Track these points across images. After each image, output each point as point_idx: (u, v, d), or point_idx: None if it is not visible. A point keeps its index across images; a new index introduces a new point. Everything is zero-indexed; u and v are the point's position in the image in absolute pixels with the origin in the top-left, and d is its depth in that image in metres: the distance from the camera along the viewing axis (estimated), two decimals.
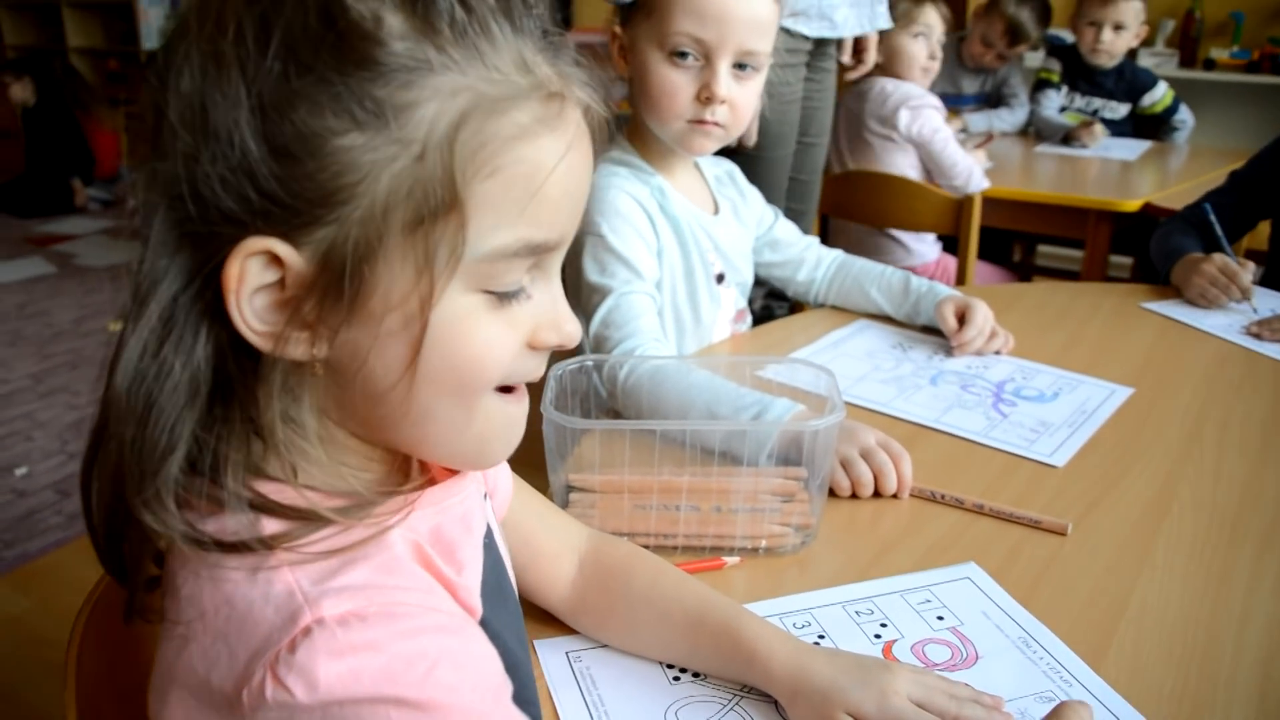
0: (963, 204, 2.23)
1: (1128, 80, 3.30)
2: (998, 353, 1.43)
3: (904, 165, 2.55)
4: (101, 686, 0.73)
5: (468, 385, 0.55)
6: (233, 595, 0.51)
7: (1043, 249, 4.01)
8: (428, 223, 0.50)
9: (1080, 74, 3.32)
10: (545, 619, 0.85)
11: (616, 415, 1.15)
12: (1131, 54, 3.37)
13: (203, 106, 0.48)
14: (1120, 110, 3.30)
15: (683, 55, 1.24)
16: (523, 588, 0.83)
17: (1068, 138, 3.14)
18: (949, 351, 1.43)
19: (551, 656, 0.82)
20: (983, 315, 1.41)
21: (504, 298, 0.55)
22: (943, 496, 1.03)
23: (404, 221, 0.50)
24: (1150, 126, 3.34)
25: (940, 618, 0.87)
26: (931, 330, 1.49)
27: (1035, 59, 4.00)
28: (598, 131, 0.58)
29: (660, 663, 0.81)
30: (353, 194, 0.49)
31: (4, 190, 5.34)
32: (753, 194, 1.56)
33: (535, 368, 0.59)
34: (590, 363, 1.02)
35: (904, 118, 2.49)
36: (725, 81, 1.25)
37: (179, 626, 0.52)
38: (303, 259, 0.49)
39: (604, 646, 0.83)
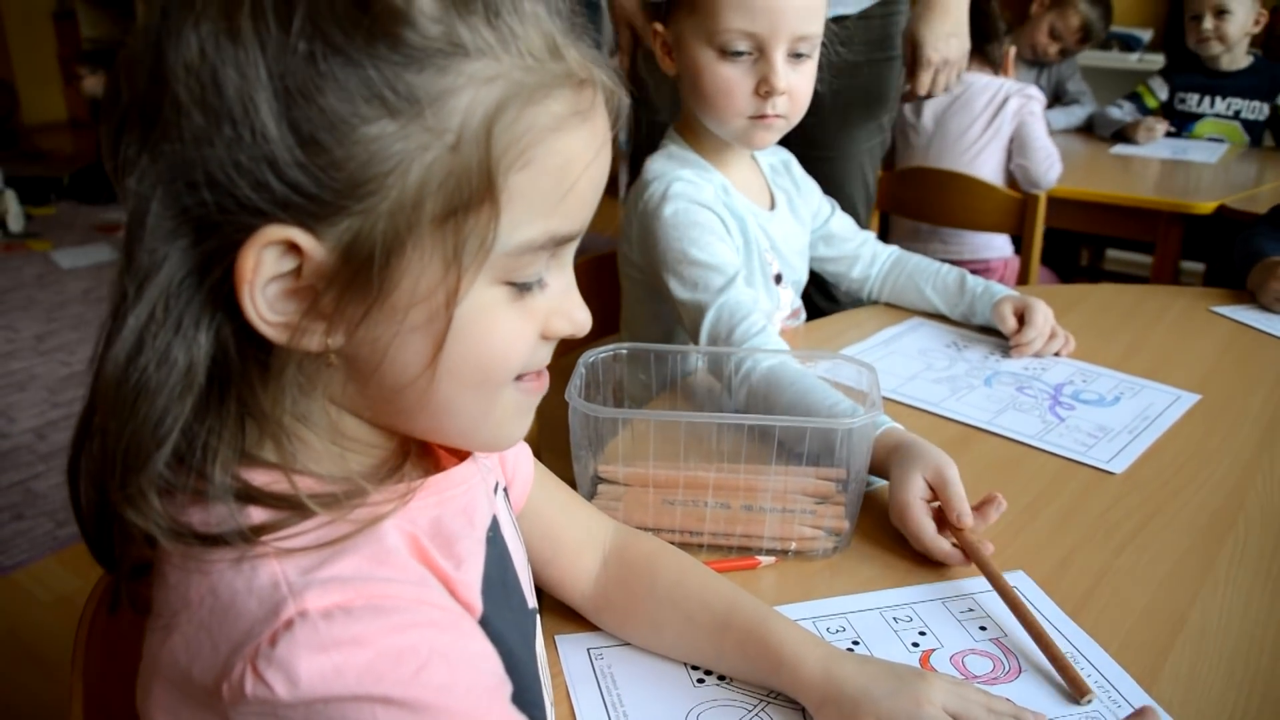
0: (1026, 202, 2.16)
1: (1265, 75, 3.00)
2: (1057, 354, 1.37)
3: (987, 162, 2.48)
4: (108, 679, 0.71)
5: (490, 378, 0.53)
6: (217, 585, 0.48)
7: (1111, 254, 3.90)
8: (459, 215, 0.48)
9: (1210, 75, 3.05)
10: (567, 614, 0.82)
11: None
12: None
13: (216, 84, 0.45)
14: (1264, 110, 3.02)
15: (735, 51, 1.18)
16: (544, 582, 0.80)
17: (1122, 134, 3.03)
18: (1005, 352, 1.37)
19: (572, 653, 0.79)
20: (1043, 315, 1.36)
21: (524, 289, 0.53)
22: None
23: (435, 214, 0.47)
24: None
25: (983, 628, 0.82)
26: (988, 330, 1.44)
27: (1104, 59, 3.89)
28: (619, 118, 0.56)
29: (684, 664, 0.78)
30: (382, 184, 0.46)
31: (75, 178, 5.46)
32: (808, 185, 1.51)
33: (546, 357, 0.57)
34: (625, 350, 0.99)
35: (1015, 103, 2.45)
36: (783, 73, 1.19)
37: (164, 616, 0.50)
38: (324, 249, 0.47)
39: (627, 645, 0.80)
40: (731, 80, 1.20)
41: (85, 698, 0.69)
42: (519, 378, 0.56)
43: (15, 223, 4.79)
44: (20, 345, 3.58)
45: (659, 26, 1.26)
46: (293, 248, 0.46)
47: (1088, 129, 3.24)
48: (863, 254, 1.54)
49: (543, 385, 0.58)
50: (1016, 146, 2.47)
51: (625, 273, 1.38)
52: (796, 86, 1.22)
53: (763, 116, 1.23)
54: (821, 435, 0.89)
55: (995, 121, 2.46)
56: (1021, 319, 1.37)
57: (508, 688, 0.53)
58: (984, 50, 2.52)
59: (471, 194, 0.47)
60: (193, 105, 0.45)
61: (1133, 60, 3.93)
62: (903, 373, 1.30)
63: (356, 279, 0.47)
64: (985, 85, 2.48)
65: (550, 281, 0.55)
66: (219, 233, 0.46)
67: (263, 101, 0.44)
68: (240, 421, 0.50)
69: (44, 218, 5.11)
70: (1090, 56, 3.70)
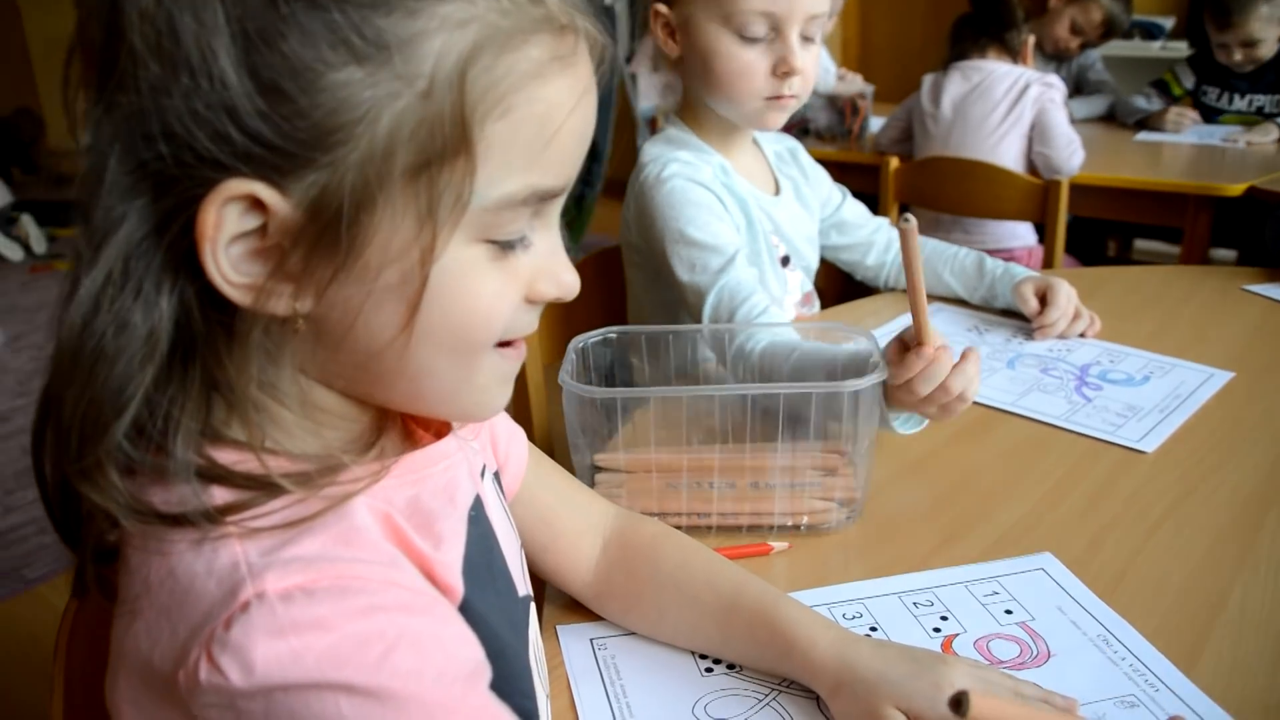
0: (1049, 189, 2.10)
1: None
2: (1082, 335, 1.32)
3: (1009, 150, 2.43)
4: (91, 680, 0.68)
5: (469, 343, 0.50)
6: (176, 567, 0.45)
7: (1140, 245, 3.82)
8: (433, 167, 0.45)
9: (1237, 75, 2.94)
10: (569, 604, 0.79)
11: None
12: None
13: (172, 30, 0.42)
14: None
15: (753, 33, 1.17)
16: (543, 570, 0.77)
17: (1147, 122, 2.95)
18: (1029, 334, 1.32)
19: (574, 644, 0.75)
20: (1065, 295, 1.31)
21: (505, 248, 0.49)
22: None
23: (406, 166, 0.44)
24: None
25: (1009, 611, 0.78)
26: (1009, 313, 1.39)
27: (1126, 48, 3.83)
28: (605, 69, 0.52)
29: (692, 653, 0.74)
30: (350, 135, 0.43)
31: None
32: (817, 173, 1.48)
33: (530, 322, 0.54)
34: (614, 334, 0.95)
35: (1035, 90, 2.41)
36: (799, 53, 1.18)
37: (127, 603, 0.47)
38: (289, 205, 0.44)
39: (631, 635, 0.76)
40: (749, 62, 1.19)
41: (66, 690, 0.66)
42: (500, 344, 0.52)
43: (38, 244, 4.86)
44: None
45: (662, 8, 1.22)
46: (257, 204, 0.44)
47: (1110, 117, 3.17)
48: (877, 240, 1.50)
49: (521, 353, 0.55)
50: (1037, 134, 2.41)
51: (628, 259, 1.35)
52: (808, 67, 1.21)
53: (778, 97, 1.21)
54: (827, 401, 0.85)
55: (1016, 109, 2.41)
56: (1044, 300, 1.32)
57: (486, 674, 0.49)
58: (1002, 38, 2.48)
59: (445, 144, 0.44)
60: (149, 54, 0.42)
61: (1155, 48, 3.87)
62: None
63: (324, 236, 0.44)
64: (1005, 73, 2.44)
65: (535, 241, 0.52)
66: (178, 188, 0.44)
67: (221, 48, 0.42)
68: (205, 395, 0.47)
69: (70, 239, 5.16)
70: (1111, 45, 3.63)
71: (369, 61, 0.43)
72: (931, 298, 1.47)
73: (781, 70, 1.19)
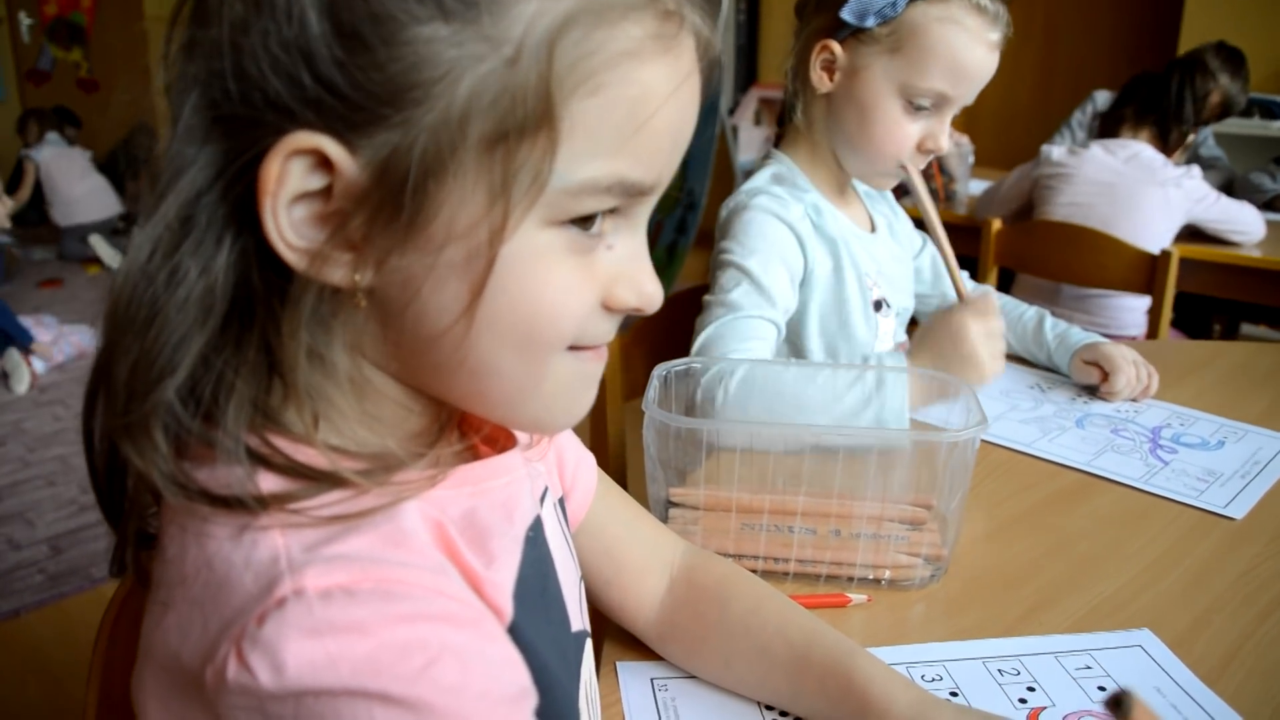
0: (1156, 260, 2.02)
1: None
2: (1139, 396, 1.28)
3: (1161, 222, 2.38)
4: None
5: (536, 339, 0.46)
6: (214, 558, 0.42)
7: (1246, 329, 3.67)
8: (512, 139, 0.42)
9: None
10: (630, 641, 0.75)
11: None
12: None
13: None
14: None
15: (921, 106, 1.17)
16: (605, 605, 0.73)
17: (1273, 203, 2.83)
18: (1093, 393, 1.29)
19: (633, 682, 0.72)
20: (1122, 358, 1.26)
21: (584, 238, 0.46)
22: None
23: (483, 134, 0.42)
24: None
25: (1102, 688, 0.72)
26: None
27: (1243, 126, 3.71)
28: (710, 71, 0.49)
29: (757, 703, 0.70)
30: (427, 94, 0.41)
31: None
32: (902, 212, 1.45)
33: (607, 331, 0.50)
34: (698, 365, 0.92)
35: (1185, 205, 2.38)
36: (947, 133, 1.19)
37: (161, 591, 0.45)
38: (357, 165, 0.41)
39: (694, 678, 0.72)
40: (909, 132, 1.18)
41: (103, 681, 0.65)
42: (574, 348, 0.49)
43: (112, 261, 5.16)
44: None
45: (835, 46, 1.18)
46: (323, 163, 0.42)
47: (1225, 192, 3.05)
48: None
49: (603, 356, 0.51)
50: (1213, 228, 2.43)
51: None
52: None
53: (906, 167, 1.22)
54: (924, 450, 0.81)
55: (1168, 202, 2.36)
56: (1100, 365, 1.29)
57: (532, 700, 0.45)
58: (1165, 127, 2.42)
59: (527, 117, 0.42)
60: None
61: (1275, 128, 3.73)
62: (987, 413, 1.21)
63: (391, 203, 0.42)
64: (1151, 158, 2.38)
65: (618, 244, 0.48)
66: (247, 135, 0.42)
67: None
68: (263, 366, 0.45)
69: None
70: (1228, 122, 3.52)
71: (456, 19, 0.41)
72: None
73: (928, 146, 1.19)
